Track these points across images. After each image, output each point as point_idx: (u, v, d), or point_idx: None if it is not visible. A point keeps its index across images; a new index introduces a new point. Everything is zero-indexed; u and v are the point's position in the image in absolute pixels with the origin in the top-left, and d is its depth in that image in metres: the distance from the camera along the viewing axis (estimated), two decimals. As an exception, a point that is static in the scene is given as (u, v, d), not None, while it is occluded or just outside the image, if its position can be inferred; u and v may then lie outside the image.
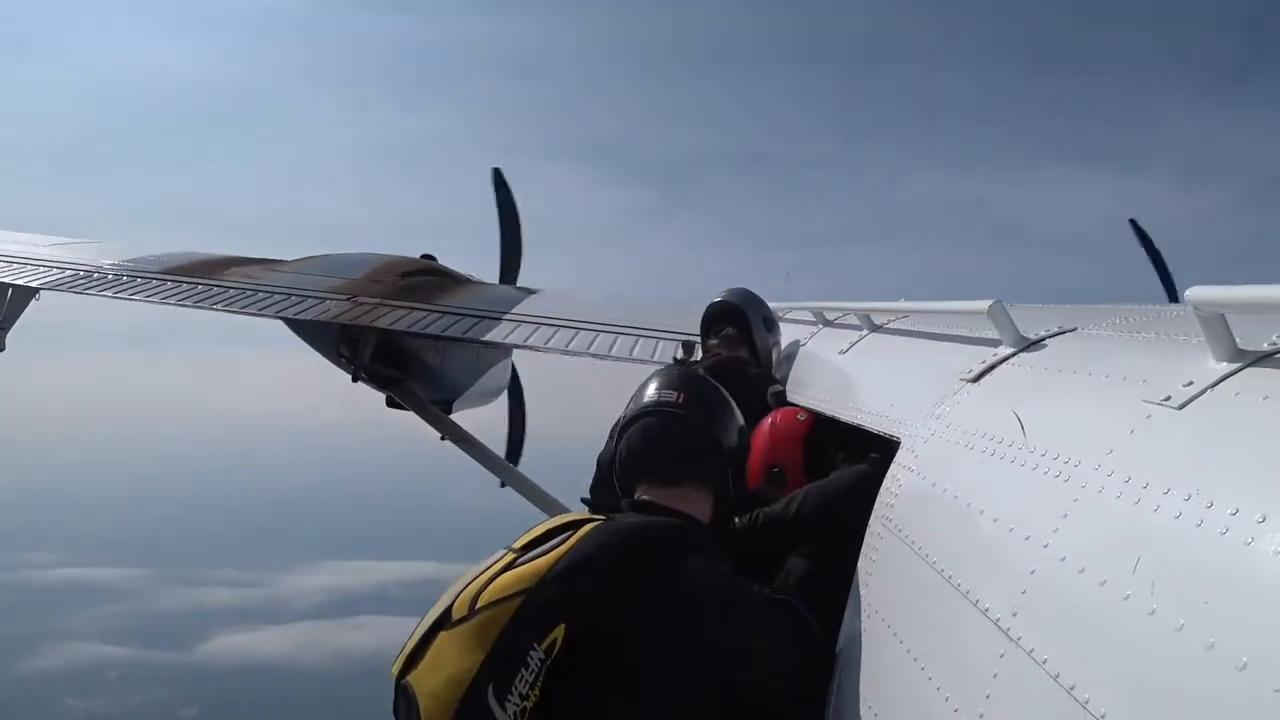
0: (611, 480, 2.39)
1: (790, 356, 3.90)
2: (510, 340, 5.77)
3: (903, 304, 2.80)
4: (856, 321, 3.25)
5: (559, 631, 1.78)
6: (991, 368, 2.02)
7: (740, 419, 2.45)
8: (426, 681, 1.76)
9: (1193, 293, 1.34)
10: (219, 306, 6.43)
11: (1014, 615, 1.43)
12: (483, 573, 1.88)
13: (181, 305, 6.55)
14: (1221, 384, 1.33)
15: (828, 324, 3.77)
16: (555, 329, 5.78)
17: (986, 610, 1.51)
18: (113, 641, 51.50)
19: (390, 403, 7.76)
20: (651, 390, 2.39)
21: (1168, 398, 1.38)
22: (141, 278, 6.92)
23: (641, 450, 2.30)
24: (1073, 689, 1.22)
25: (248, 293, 6.60)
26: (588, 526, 1.97)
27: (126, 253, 7.65)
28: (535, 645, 1.75)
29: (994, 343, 2.11)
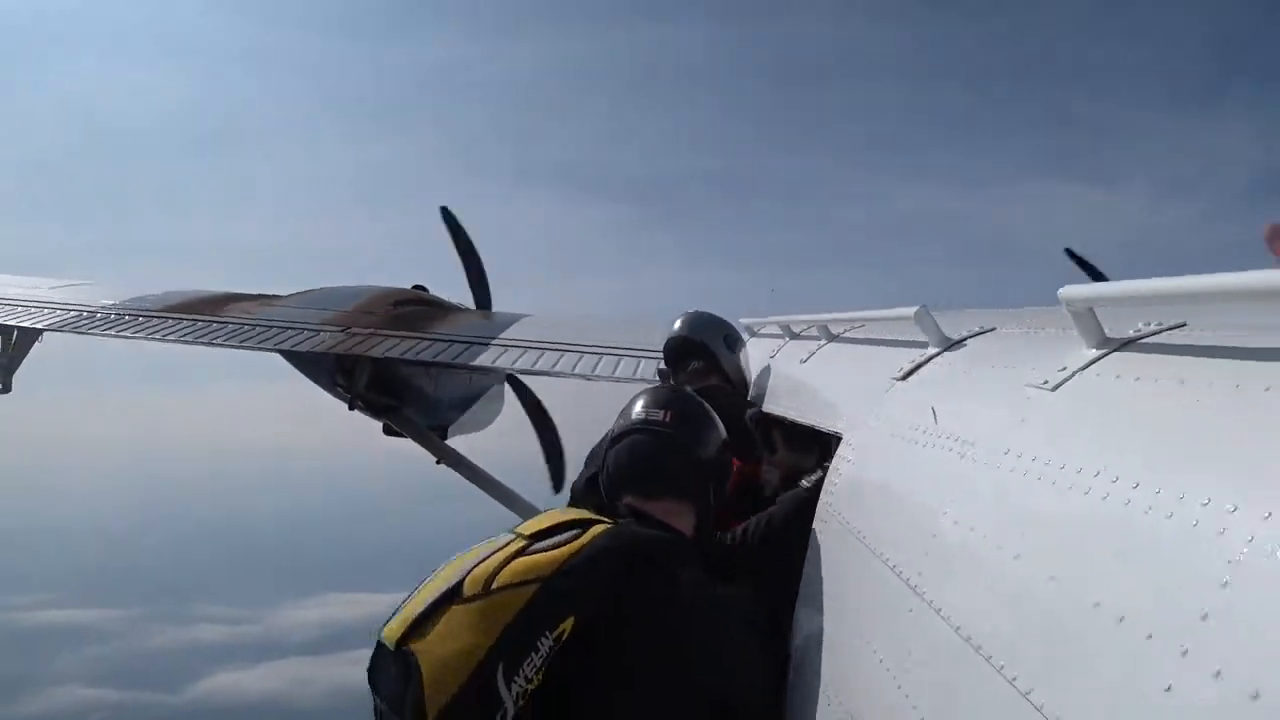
0: (596, 488, 2.50)
1: (763, 370, 4.10)
2: (500, 364, 6.00)
3: (851, 314, 3.05)
4: (817, 333, 3.50)
5: (569, 623, 1.86)
6: (919, 366, 2.25)
7: (723, 432, 2.57)
8: (435, 650, 1.78)
9: (1064, 291, 1.56)
10: (219, 341, 6.63)
11: (920, 575, 1.63)
12: (494, 553, 1.94)
13: (182, 342, 6.75)
14: (1089, 367, 1.55)
15: (794, 337, 3.99)
16: (542, 351, 6.03)
17: (900, 573, 1.71)
18: (99, 684, 50.35)
19: (387, 430, 7.95)
20: (639, 407, 2.50)
21: (1045, 381, 1.60)
22: (143, 316, 7.14)
23: (628, 465, 2.41)
24: (969, 639, 1.38)
25: (246, 328, 6.82)
26: (598, 528, 2.05)
27: (125, 293, 7.86)
28: (547, 633, 1.83)
29: (924, 344, 2.34)
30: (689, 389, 2.86)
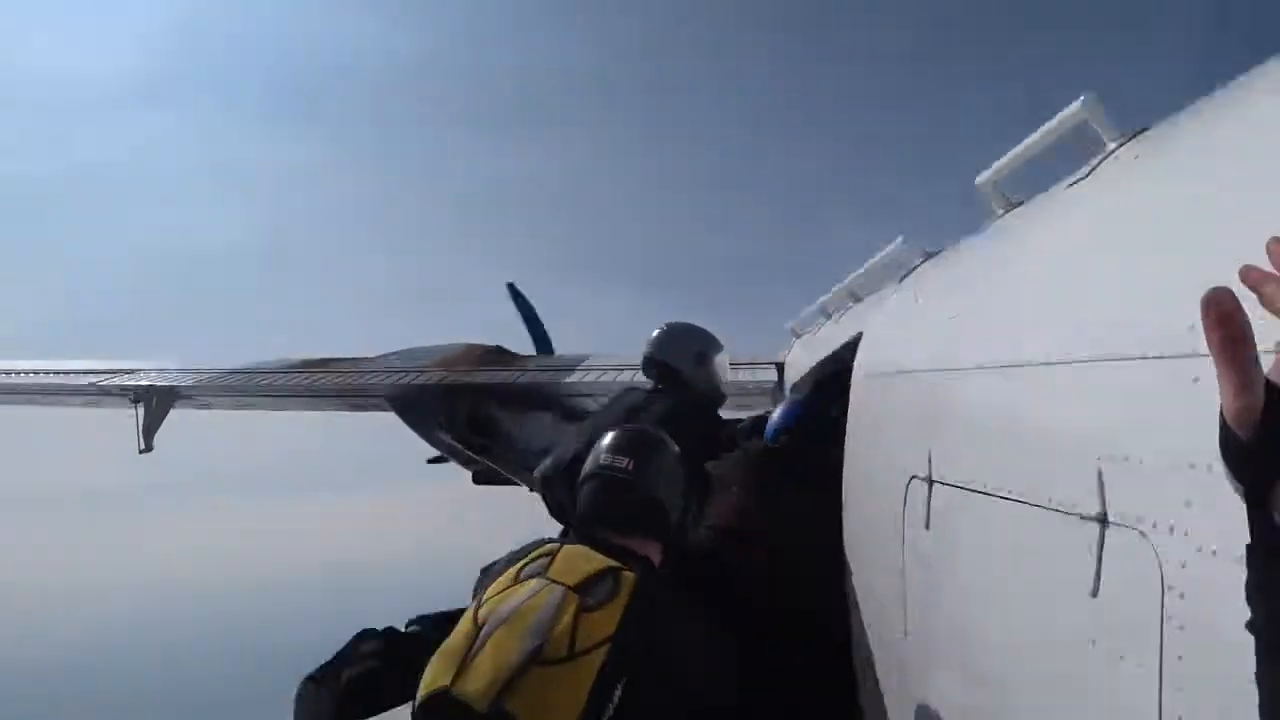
0: (560, 485, 3.03)
1: (811, 349, 4.97)
2: (586, 381, 6.93)
3: (862, 269, 3.93)
4: (847, 299, 4.42)
5: (624, 678, 2.05)
6: (910, 272, 3.17)
7: (677, 451, 2.74)
8: (535, 714, 1.93)
9: (979, 179, 2.41)
10: (345, 385, 7.62)
11: (922, 368, 2.45)
12: (556, 610, 2.08)
13: (313, 391, 7.74)
14: (997, 222, 2.40)
15: (828, 315, 4.91)
16: (621, 370, 7.00)
17: (915, 375, 2.45)
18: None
19: (476, 480, 8.81)
20: (604, 452, 2.66)
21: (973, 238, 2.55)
22: (267, 374, 8.19)
23: (593, 510, 2.59)
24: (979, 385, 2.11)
25: (356, 376, 7.84)
26: (627, 580, 2.21)
27: (231, 363, 8.86)
28: (616, 689, 2.03)
29: (912, 265, 3.25)
30: (653, 429, 2.95)
